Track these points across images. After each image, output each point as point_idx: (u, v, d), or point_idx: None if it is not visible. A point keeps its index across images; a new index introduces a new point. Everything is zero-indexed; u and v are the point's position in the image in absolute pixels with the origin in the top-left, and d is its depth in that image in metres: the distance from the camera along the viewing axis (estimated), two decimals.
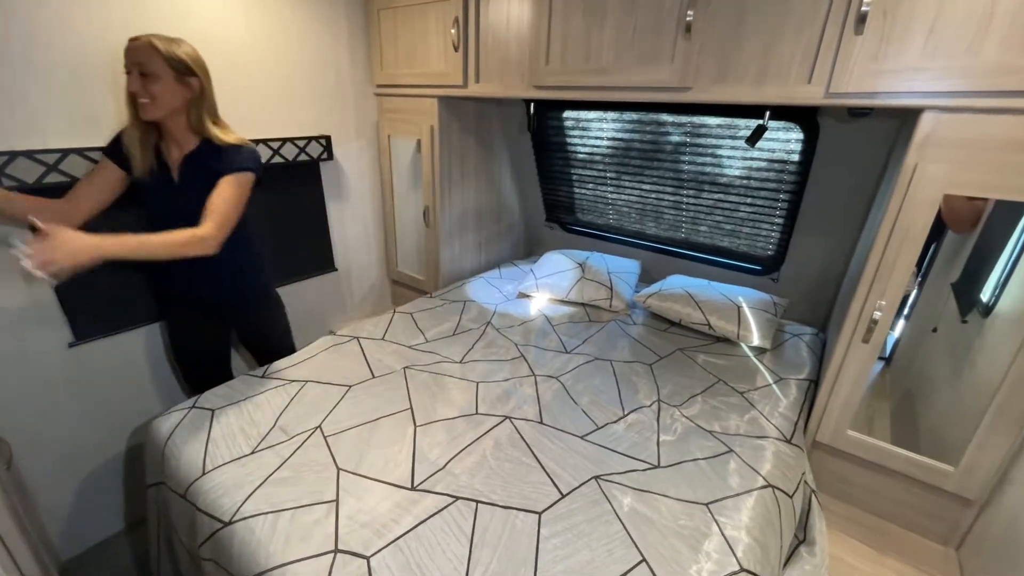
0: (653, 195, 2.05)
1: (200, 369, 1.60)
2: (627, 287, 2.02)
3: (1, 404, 1.37)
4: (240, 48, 1.65)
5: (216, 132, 1.29)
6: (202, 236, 1.15)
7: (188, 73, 1.21)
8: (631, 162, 2.02)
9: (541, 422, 1.28)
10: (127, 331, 1.58)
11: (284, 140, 1.81)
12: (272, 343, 1.61)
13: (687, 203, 1.99)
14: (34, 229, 0.96)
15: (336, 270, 2.18)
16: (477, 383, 1.44)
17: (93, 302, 1.49)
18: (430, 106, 1.93)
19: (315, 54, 1.86)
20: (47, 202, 1.22)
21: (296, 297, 2.01)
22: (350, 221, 2.19)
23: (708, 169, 1.84)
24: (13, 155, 1.25)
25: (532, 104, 2.12)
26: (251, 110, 1.73)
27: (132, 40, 1.17)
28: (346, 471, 1.10)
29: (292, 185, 1.92)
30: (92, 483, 1.60)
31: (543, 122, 2.19)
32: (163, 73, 1.18)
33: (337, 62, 1.94)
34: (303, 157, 1.88)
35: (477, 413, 1.31)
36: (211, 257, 1.19)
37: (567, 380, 1.47)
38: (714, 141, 1.78)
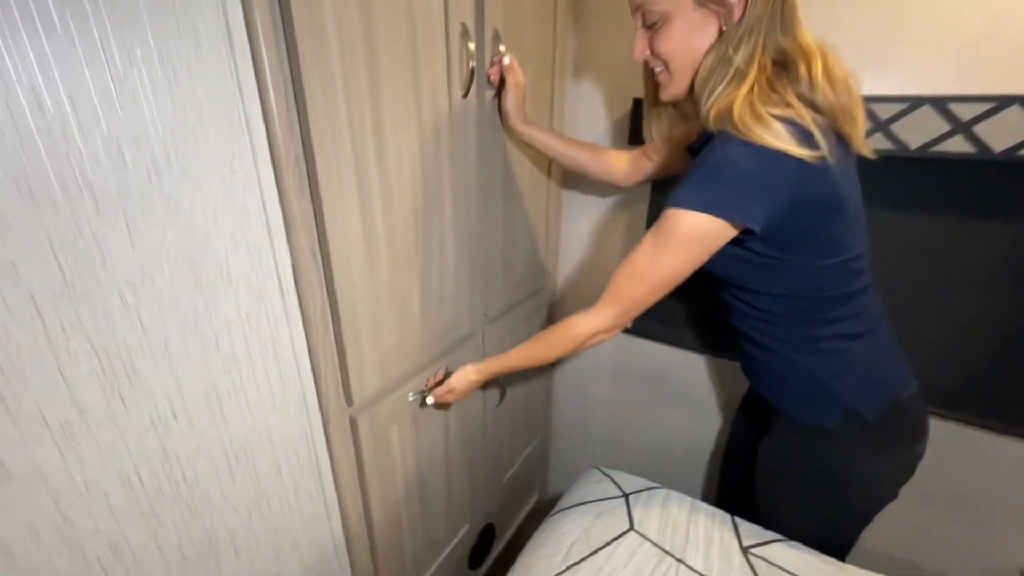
0: None
1: (725, 465, 1.07)
2: None
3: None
4: None
5: (734, 103, 0.58)
6: (575, 333, 0.75)
7: None
8: None
9: None
10: (667, 345, 1.30)
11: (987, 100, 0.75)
12: (761, 506, 0.87)
13: None
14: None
15: None
16: None
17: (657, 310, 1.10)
18: None
19: None
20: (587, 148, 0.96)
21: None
22: None
23: None
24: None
25: None
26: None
27: None
28: None
29: (975, 211, 0.84)
30: (576, 446, 1.60)
31: None
32: (673, 6, 0.61)
33: None
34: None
35: None
36: (760, 322, 0.74)
37: None
38: None
